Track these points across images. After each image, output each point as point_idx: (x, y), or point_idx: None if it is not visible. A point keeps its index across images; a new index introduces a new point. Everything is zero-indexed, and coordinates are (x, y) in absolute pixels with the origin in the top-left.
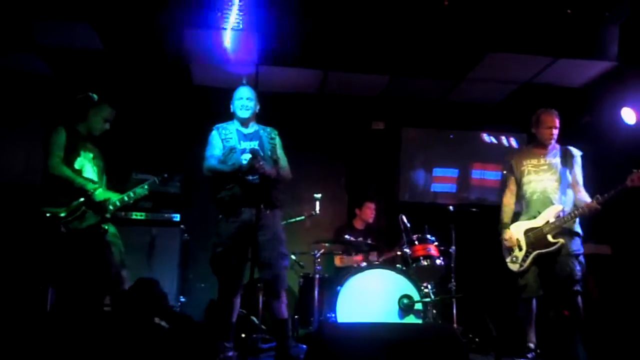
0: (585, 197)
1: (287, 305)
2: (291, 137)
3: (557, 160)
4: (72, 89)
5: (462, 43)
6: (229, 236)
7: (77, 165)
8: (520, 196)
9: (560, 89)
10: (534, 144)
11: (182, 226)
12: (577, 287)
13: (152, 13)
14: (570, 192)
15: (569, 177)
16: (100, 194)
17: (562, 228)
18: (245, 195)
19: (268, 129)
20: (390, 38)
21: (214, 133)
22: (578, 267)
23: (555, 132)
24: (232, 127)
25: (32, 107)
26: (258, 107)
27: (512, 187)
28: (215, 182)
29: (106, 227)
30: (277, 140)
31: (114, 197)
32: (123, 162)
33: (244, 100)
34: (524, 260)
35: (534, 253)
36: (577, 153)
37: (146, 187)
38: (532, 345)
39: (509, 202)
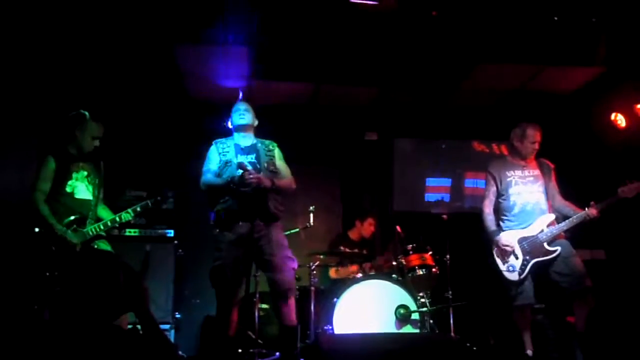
0: (566, 204)
1: (295, 312)
2: (285, 149)
3: (538, 172)
4: (65, 105)
5: (452, 54)
6: (227, 250)
7: (68, 189)
8: (505, 206)
9: (550, 96)
10: (513, 155)
11: (176, 242)
12: (589, 282)
13: (146, 28)
14: (552, 202)
15: (550, 188)
16: (72, 236)
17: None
18: (240, 208)
19: (267, 142)
20: (380, 50)
21: (212, 148)
22: (582, 263)
23: (538, 146)
24: (231, 142)
25: (25, 123)
26: (256, 122)
27: (492, 197)
28: (211, 196)
29: (96, 246)
30: (277, 152)
31: (104, 218)
32: (116, 178)
33: (242, 111)
34: (522, 269)
35: (533, 261)
36: (552, 165)
37: (131, 212)
38: (529, 353)
39: (490, 211)
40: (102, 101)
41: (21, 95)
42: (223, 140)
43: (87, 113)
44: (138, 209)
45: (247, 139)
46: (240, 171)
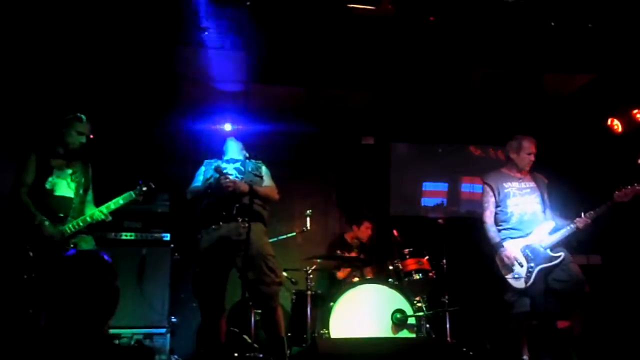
0: (557, 218)
1: (281, 322)
2: (281, 154)
3: (534, 185)
4: (58, 107)
5: (449, 58)
6: (207, 254)
7: (47, 185)
8: (502, 217)
9: (546, 100)
10: (509, 167)
11: (172, 245)
12: (587, 288)
13: (142, 30)
14: (547, 212)
15: (545, 200)
16: (49, 226)
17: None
18: (221, 207)
19: (254, 161)
20: (377, 55)
21: (202, 168)
22: (580, 269)
23: (534, 158)
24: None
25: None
26: (246, 154)
27: (492, 208)
28: (194, 201)
29: (73, 243)
30: (264, 168)
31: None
32: (110, 183)
33: (233, 152)
34: (527, 276)
35: (538, 268)
36: (546, 180)
37: (112, 205)
38: (525, 358)
39: (492, 222)
40: (97, 105)
41: (15, 99)
42: (212, 161)
43: (84, 116)
44: (120, 201)
45: (235, 157)
46: (217, 175)
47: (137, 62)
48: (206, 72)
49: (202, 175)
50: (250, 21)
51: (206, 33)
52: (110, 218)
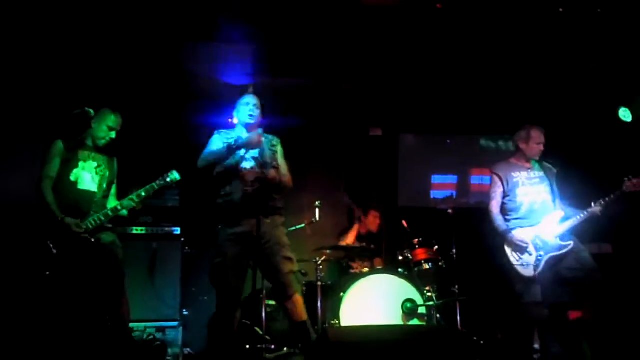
0: (567, 207)
1: (300, 308)
2: (290, 145)
3: (542, 174)
4: (72, 101)
5: (457, 48)
6: (228, 247)
7: (72, 178)
8: (511, 207)
9: (552, 90)
10: (518, 157)
11: (183, 239)
12: (599, 276)
13: (153, 26)
14: (557, 202)
15: (554, 189)
16: (70, 221)
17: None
18: (243, 204)
19: (270, 136)
20: (383, 45)
21: (215, 135)
22: (592, 257)
23: (543, 148)
24: (234, 133)
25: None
26: (260, 115)
27: (500, 198)
28: (214, 185)
29: (94, 239)
30: (279, 148)
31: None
32: (121, 177)
33: (250, 106)
34: (536, 264)
35: (547, 257)
36: (554, 169)
37: (135, 197)
38: (537, 347)
39: (499, 211)
40: (109, 100)
41: (30, 96)
42: (227, 130)
43: (92, 111)
44: (142, 193)
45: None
46: (253, 135)
47: (147, 57)
48: (215, 65)
49: (215, 146)
50: (258, 13)
51: (216, 26)
52: (141, 206)
